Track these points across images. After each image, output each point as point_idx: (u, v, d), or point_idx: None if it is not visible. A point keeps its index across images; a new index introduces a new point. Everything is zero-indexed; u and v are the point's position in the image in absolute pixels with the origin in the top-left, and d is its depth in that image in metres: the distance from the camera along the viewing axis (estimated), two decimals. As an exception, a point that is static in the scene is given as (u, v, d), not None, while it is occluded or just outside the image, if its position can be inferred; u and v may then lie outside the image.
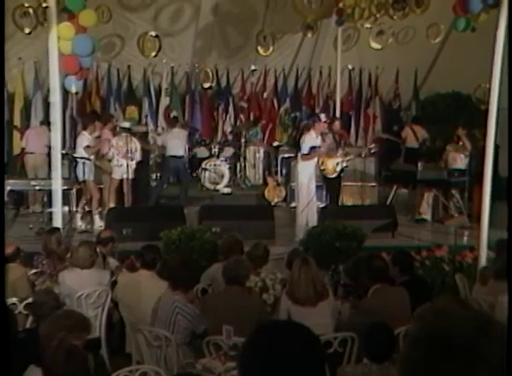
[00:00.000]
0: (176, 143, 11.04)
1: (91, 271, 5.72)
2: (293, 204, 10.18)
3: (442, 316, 1.45)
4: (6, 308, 4.06)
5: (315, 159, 8.98)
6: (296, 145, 9.93)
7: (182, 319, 4.75)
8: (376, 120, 14.63)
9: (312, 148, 8.76)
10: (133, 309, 5.43)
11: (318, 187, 9.56)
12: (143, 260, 5.67)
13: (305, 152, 8.80)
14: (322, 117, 9.34)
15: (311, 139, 8.82)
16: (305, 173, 8.86)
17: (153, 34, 12.54)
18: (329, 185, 10.11)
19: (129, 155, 9.64)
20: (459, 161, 10.24)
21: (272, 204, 11.23)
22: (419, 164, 10.32)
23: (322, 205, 9.85)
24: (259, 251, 6.09)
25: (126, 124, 10.26)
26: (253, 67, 13.89)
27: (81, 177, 9.40)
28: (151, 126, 13.44)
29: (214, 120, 14.29)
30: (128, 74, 13.60)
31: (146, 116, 13.44)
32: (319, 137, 9.00)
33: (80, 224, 9.23)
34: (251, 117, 14.03)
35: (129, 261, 6.17)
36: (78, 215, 9.33)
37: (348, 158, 9.65)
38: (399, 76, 14.57)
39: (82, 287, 5.50)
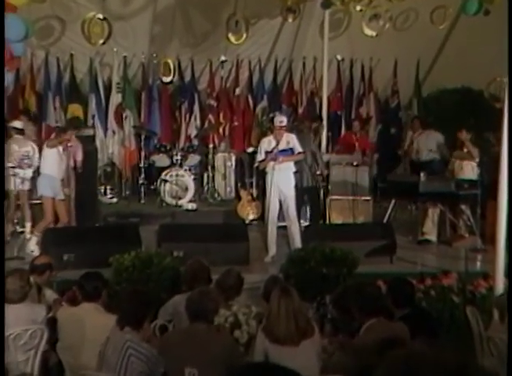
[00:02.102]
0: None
1: (21, 306, 5.65)
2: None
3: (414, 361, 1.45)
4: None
5: (291, 167, 9.37)
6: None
7: (136, 361, 4.72)
8: (371, 121, 14.80)
9: (267, 153, 9.22)
10: (75, 351, 5.38)
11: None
12: (84, 290, 5.65)
13: (261, 158, 9.36)
14: (283, 120, 9.47)
15: (267, 143, 9.32)
16: (272, 184, 9.23)
17: (101, 16, 12.53)
18: (309, 199, 10.33)
19: (25, 162, 9.68)
20: (470, 171, 10.38)
21: (247, 222, 11.32)
22: (421, 174, 10.38)
23: (306, 224, 9.95)
24: (230, 280, 6.14)
25: (18, 124, 10.22)
26: (223, 58, 13.94)
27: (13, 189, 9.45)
28: (99, 128, 13.52)
29: (176, 121, 14.39)
30: (70, 65, 13.63)
31: (93, 116, 13.46)
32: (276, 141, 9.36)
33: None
34: (221, 118, 14.14)
35: (71, 292, 6.15)
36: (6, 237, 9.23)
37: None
38: (398, 68, 14.78)
39: (10, 325, 5.41)
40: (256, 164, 9.55)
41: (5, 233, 9.27)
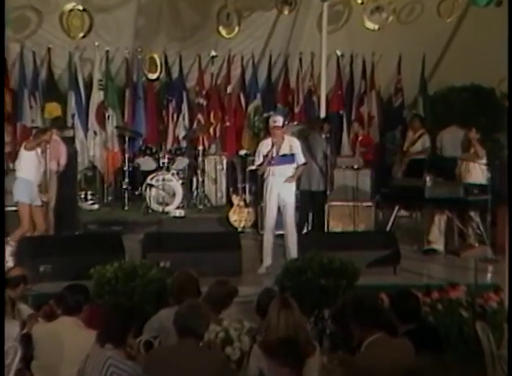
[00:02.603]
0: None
1: (-6, 321, 5.55)
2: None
3: None
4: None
5: (291, 172, 9.43)
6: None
7: (119, 381, 4.64)
8: (373, 121, 14.85)
9: (266, 157, 9.29)
10: (52, 370, 5.37)
11: (296, 208, 9.75)
12: (65, 304, 5.64)
13: (259, 162, 9.43)
14: (278, 120, 9.47)
15: (265, 146, 9.38)
16: (271, 190, 9.31)
17: (81, 7, 12.54)
18: (310, 205, 10.42)
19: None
20: (479, 174, 10.37)
21: (239, 230, 11.40)
22: (427, 179, 10.40)
23: (304, 232, 10.08)
24: (222, 291, 6.16)
25: None
26: (213, 53, 14.05)
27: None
28: (79, 129, 13.55)
29: (163, 121, 14.38)
30: (47, 60, 13.59)
31: (73, 115, 13.44)
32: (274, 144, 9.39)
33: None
34: (211, 118, 14.20)
35: (47, 307, 6.12)
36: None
37: None
38: (402, 64, 14.84)
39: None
40: (251, 168, 9.55)
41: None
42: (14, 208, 9.60)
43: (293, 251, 9.24)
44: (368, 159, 12.70)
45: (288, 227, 9.39)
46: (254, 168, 9.65)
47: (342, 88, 14.88)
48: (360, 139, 13.35)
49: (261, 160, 9.35)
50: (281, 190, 9.33)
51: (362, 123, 14.35)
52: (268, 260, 9.31)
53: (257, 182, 11.79)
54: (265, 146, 9.37)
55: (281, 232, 9.54)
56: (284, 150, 9.37)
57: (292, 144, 9.44)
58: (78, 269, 7.88)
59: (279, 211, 9.41)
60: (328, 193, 11.10)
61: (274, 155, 9.27)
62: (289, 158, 9.39)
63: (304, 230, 10.77)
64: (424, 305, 7.12)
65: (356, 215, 11.22)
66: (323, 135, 11.35)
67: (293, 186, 9.49)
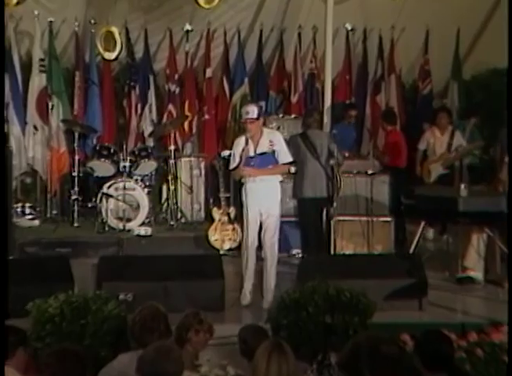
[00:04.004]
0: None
1: None
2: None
3: None
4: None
5: (276, 175, 9.55)
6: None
7: None
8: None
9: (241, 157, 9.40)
10: None
11: (291, 223, 10.06)
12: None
13: (234, 164, 9.62)
14: (251, 110, 9.46)
15: (240, 145, 9.54)
16: (251, 199, 9.47)
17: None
18: (311, 219, 10.62)
19: None
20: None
21: (221, 252, 11.44)
22: (461, 187, 10.40)
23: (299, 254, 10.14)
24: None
25: None
26: (188, 27, 14.10)
27: None
28: (15, 122, 13.50)
29: (124, 114, 14.42)
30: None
31: (7, 105, 13.42)
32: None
33: None
34: (186, 110, 14.25)
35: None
36: None
37: None
38: (430, 42, 14.89)
39: None
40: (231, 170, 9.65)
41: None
42: None
43: (270, 282, 9.41)
44: (394, 163, 12.68)
45: (268, 248, 9.48)
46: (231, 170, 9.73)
47: (352, 72, 14.93)
48: (385, 135, 13.28)
49: (237, 161, 9.47)
50: (262, 199, 9.44)
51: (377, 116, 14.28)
52: (249, 285, 9.40)
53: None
54: (240, 144, 9.48)
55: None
56: (263, 146, 9.42)
57: (272, 139, 9.48)
58: (12, 303, 7.78)
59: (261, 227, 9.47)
60: (335, 204, 11.15)
61: (251, 154, 9.37)
62: (269, 157, 9.44)
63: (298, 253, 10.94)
64: (459, 350, 7.13)
65: (371, 232, 11.29)
66: (326, 130, 11.64)
67: (277, 193, 9.55)
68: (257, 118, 9.37)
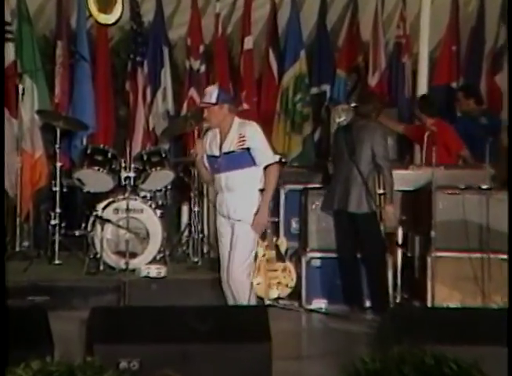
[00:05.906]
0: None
1: None
2: (314, 305, 10.02)
3: None
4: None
5: (253, 181, 8.94)
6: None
7: None
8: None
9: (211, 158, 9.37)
10: None
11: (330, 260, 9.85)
12: None
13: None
14: (207, 92, 8.71)
15: (208, 143, 9.24)
16: (221, 213, 9.17)
17: None
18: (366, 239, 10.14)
19: None
20: None
21: (267, 302, 10.63)
22: None
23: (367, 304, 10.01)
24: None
25: None
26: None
27: None
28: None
29: (127, 103, 13.31)
30: None
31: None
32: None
33: None
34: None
35: None
36: None
37: None
38: None
39: None
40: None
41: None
42: None
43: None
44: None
45: (232, 271, 8.70)
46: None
47: (459, 41, 13.42)
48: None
49: (207, 164, 9.32)
50: (231, 210, 8.86)
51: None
52: None
53: (305, 212, 11.02)
54: (208, 141, 9.21)
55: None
56: (229, 143, 8.84)
57: (244, 132, 8.80)
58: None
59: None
60: (433, 234, 10.15)
61: (215, 153, 8.99)
62: (240, 157, 8.75)
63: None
64: None
65: (486, 276, 10.09)
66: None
67: (252, 204, 8.70)
68: (216, 103, 8.70)
